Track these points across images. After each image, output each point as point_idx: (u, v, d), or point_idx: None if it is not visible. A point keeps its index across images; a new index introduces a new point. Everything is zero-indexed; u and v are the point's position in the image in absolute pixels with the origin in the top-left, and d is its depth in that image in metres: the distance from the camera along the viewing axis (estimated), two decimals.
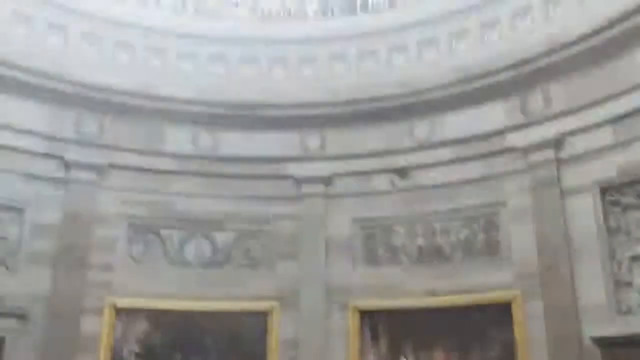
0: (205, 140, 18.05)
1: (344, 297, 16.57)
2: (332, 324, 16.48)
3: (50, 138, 16.68)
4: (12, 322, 15.33)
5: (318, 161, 17.70)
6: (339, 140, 17.69)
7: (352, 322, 16.33)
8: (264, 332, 16.62)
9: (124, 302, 16.28)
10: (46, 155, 16.59)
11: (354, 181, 17.46)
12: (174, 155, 17.83)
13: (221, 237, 17.61)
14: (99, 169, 17.09)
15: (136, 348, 16.40)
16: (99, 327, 16.04)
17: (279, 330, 16.56)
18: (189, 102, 17.86)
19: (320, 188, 17.53)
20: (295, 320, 16.56)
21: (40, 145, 16.54)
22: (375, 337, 16.46)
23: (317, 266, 16.96)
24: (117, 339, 16.25)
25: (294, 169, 17.80)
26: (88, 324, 15.96)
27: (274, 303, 16.76)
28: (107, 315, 16.14)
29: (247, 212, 17.67)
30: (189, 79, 18.19)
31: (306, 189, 17.62)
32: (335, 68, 18.36)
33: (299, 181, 17.70)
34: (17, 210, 16.04)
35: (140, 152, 17.55)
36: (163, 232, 17.48)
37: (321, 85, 17.95)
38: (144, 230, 17.35)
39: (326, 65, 18.35)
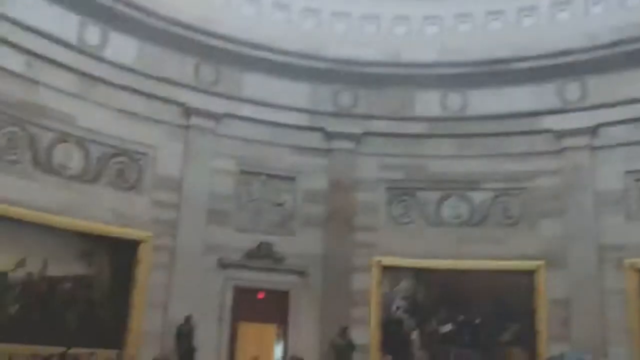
0: (454, 100, 18.05)
1: (618, 254, 15.36)
2: (605, 284, 15.40)
3: (312, 112, 18.23)
4: (294, 278, 17.27)
5: (579, 111, 16.53)
6: (601, 87, 16.28)
7: (629, 281, 15.07)
8: (529, 292, 16.21)
9: (388, 261, 17.18)
10: (310, 128, 18.18)
11: (624, 130, 15.93)
12: (424, 119, 18.16)
13: (478, 197, 17.53)
14: (356, 138, 18.17)
15: (403, 303, 17.24)
16: (368, 284, 17.19)
17: (546, 289, 16.00)
18: (435, 64, 18.00)
19: (584, 140, 16.37)
20: (564, 280, 15.85)
21: (304, 120, 18.20)
22: None
23: (585, 223, 15.94)
24: (385, 295, 17.24)
25: (551, 122, 16.89)
26: (358, 281, 17.21)
27: (539, 262, 16.21)
28: (374, 272, 17.21)
29: (502, 170, 17.30)
30: (433, 41, 18.29)
31: (567, 142, 16.61)
32: (592, 9, 16.89)
33: (558, 135, 16.75)
34: (290, 179, 17.96)
35: (392, 118, 18.23)
36: (419, 194, 17.98)
37: (577, 30, 16.65)
38: (401, 193, 18.05)
39: (581, 7, 16.98)
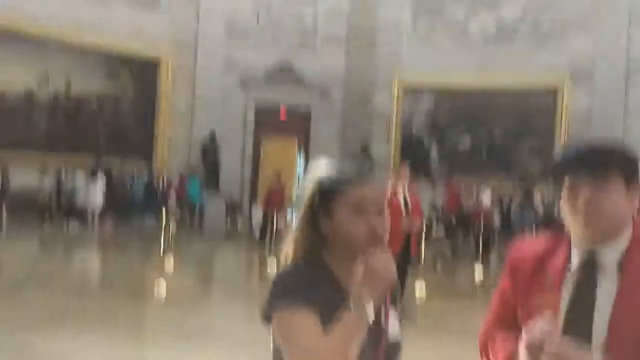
0: None
1: None
2: (630, 100, 15.02)
3: None
4: (315, 97, 17.37)
5: None
6: None
7: None
8: (551, 110, 15.99)
9: (410, 77, 16.94)
10: None
11: None
12: None
13: (507, 11, 16.70)
14: None
15: (423, 122, 17.34)
16: (390, 102, 17.20)
17: (570, 105, 15.74)
18: None
19: None
20: (589, 96, 15.50)
21: None
22: None
23: (615, 39, 15.18)
24: (406, 114, 17.31)
25: None
26: (380, 99, 17.22)
27: (565, 77, 15.77)
28: (396, 90, 17.13)
29: None
30: None
31: None
32: None
33: None
34: None
35: None
36: (446, 9, 17.22)
37: None
38: (426, 8, 17.32)
39: None
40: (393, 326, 1.46)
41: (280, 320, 1.38)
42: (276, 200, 12.84)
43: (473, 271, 9.79)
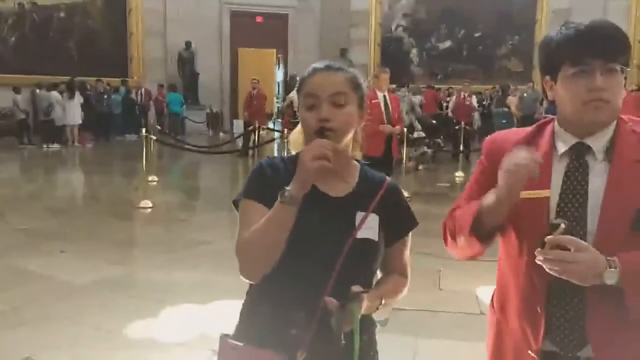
0: None
1: None
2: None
3: None
4: (293, 1, 16.81)
5: None
6: None
7: None
8: (532, 4, 15.65)
9: None
10: None
11: None
12: None
13: None
14: None
15: (403, 22, 16.92)
16: (368, 3, 16.68)
17: (551, 4, 15.41)
18: None
19: None
20: None
21: None
22: None
23: None
24: (385, 14, 16.85)
25: None
26: (357, 1, 16.68)
27: None
28: None
29: None
30: None
31: None
32: None
33: None
34: None
35: None
36: None
37: None
38: None
39: None
40: (369, 226, 1.45)
41: (239, 210, 1.48)
42: (257, 110, 12.57)
43: (454, 173, 9.92)
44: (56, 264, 5.07)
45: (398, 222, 1.53)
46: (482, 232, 1.40)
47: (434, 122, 11.94)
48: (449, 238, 1.53)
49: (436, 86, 15.14)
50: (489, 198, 1.36)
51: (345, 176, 1.50)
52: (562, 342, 1.38)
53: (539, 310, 1.38)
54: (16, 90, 13.59)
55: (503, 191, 1.32)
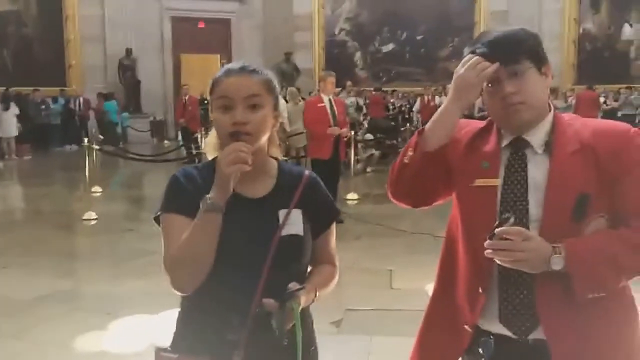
0: None
1: None
2: (544, 3, 15.29)
3: None
4: (234, 5, 16.71)
5: None
6: None
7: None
8: (471, 6, 16.09)
9: None
10: None
11: None
12: None
13: None
14: None
15: (346, 25, 17.08)
16: (310, 6, 16.76)
17: (488, 2, 15.88)
18: None
19: None
20: None
21: None
22: None
23: None
24: (328, 17, 16.98)
25: None
26: (300, 4, 16.71)
27: None
28: None
29: None
30: None
31: None
32: None
33: None
34: None
35: None
36: None
37: None
38: None
39: None
40: (293, 222, 1.46)
41: (161, 225, 1.48)
42: (192, 115, 12.01)
43: None
44: None
45: (321, 213, 1.55)
46: (427, 147, 1.44)
47: (381, 126, 12.01)
48: (393, 176, 1.53)
49: (383, 88, 15.34)
50: (438, 110, 1.47)
51: (263, 176, 1.50)
52: (514, 325, 1.43)
53: (480, 291, 1.44)
54: None
55: (452, 95, 1.43)
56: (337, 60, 16.24)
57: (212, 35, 16.75)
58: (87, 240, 6.71)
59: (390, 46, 16.94)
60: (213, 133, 1.52)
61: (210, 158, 1.53)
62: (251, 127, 1.40)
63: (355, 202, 7.78)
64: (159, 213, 1.47)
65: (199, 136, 11.27)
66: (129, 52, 15.57)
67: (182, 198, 1.44)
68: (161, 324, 3.75)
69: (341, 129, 6.66)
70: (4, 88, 13.75)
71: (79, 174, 8.94)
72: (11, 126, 13.38)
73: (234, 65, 1.48)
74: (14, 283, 4.83)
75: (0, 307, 4.28)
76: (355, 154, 9.40)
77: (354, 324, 3.74)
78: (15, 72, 14.69)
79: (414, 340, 1.62)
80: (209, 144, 1.56)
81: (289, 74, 16.30)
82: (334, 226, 1.60)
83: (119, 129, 15.18)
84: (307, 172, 1.58)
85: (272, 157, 1.54)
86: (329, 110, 6.62)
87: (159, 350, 1.45)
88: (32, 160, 13.38)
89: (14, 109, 13.50)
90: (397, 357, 3.34)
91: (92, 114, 15.18)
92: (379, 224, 6.56)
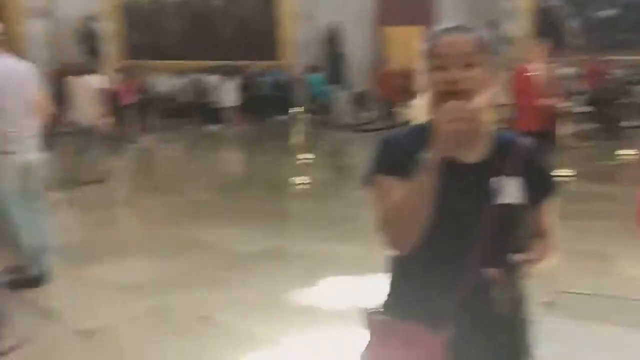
0: None
1: None
2: None
3: None
4: None
5: None
6: None
7: None
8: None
9: None
10: None
11: None
12: None
13: None
14: None
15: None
16: None
17: None
18: None
19: None
20: None
21: None
22: None
23: None
24: None
25: None
26: None
27: None
28: None
29: None
30: None
31: None
32: None
33: None
34: None
35: None
36: None
37: None
38: None
39: None
40: (508, 190, 1.41)
41: (371, 186, 1.49)
42: (396, 89, 11.96)
43: (617, 150, 9.14)
44: (221, 235, 5.44)
45: (539, 185, 1.48)
46: None
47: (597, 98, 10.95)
48: None
49: (601, 57, 13.91)
50: None
51: (478, 141, 1.44)
52: None
53: None
54: (177, 75, 14.67)
55: None
56: (548, 28, 15.05)
57: (415, 7, 16.58)
58: (297, 203, 7.17)
59: (610, 11, 15.26)
60: (422, 97, 1.53)
61: (416, 122, 1.53)
62: (467, 85, 1.38)
63: (569, 178, 7.25)
64: (370, 173, 1.49)
65: (400, 108, 11.30)
66: (335, 26, 16.07)
67: (392, 159, 1.45)
68: (364, 287, 3.91)
69: (553, 100, 6.24)
70: (225, 62, 15.10)
71: (289, 142, 9.51)
72: (231, 97, 14.72)
73: (449, 24, 1.46)
74: (234, 238, 5.34)
75: (223, 259, 4.81)
76: (571, 127, 8.70)
77: (565, 308, 3.52)
78: (233, 47, 16.02)
79: (634, 331, 1.49)
80: (418, 108, 1.57)
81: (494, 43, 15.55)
82: (551, 200, 1.53)
83: (324, 101, 15.82)
84: (526, 139, 1.52)
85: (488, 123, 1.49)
86: (539, 80, 6.22)
87: (370, 313, 1.48)
88: (249, 128, 14.52)
89: (233, 81, 14.78)
90: (616, 349, 3.08)
91: (300, 86, 16.00)
92: (595, 204, 6.10)
